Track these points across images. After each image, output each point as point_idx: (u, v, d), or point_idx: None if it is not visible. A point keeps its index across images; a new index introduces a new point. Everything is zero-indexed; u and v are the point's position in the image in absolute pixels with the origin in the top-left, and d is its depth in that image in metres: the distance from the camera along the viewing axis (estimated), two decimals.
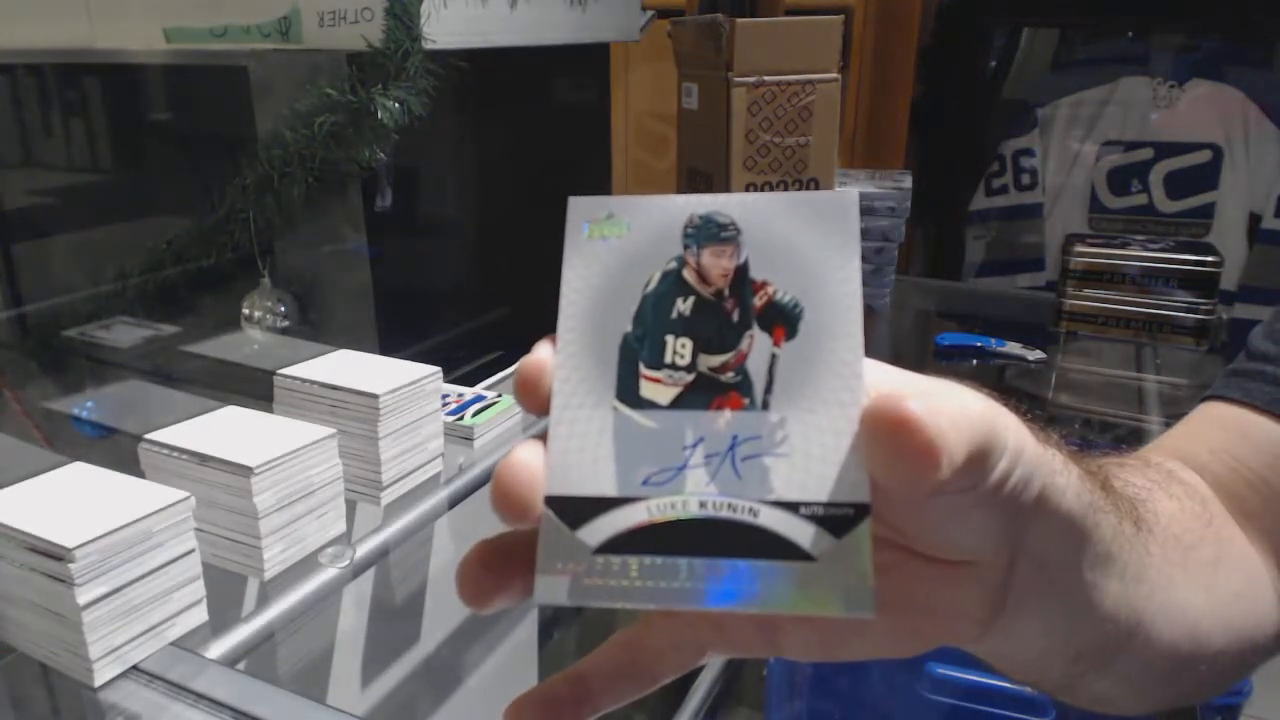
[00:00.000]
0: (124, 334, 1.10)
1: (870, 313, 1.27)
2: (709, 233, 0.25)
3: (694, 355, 0.24)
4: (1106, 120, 1.95)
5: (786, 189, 1.16)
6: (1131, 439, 1.04)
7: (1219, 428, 0.42)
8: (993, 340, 1.21)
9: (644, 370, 0.24)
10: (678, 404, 0.24)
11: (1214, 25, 1.89)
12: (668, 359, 0.24)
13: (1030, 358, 1.19)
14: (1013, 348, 1.20)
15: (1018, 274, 2.07)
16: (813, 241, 0.24)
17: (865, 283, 1.40)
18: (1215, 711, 0.71)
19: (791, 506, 0.22)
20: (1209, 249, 1.21)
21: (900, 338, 1.38)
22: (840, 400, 0.23)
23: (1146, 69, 1.91)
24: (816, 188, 1.17)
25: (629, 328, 0.24)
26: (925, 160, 2.07)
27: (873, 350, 0.24)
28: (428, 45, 0.87)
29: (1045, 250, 2.03)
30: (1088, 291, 1.22)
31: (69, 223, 1.37)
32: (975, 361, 1.21)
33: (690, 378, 0.24)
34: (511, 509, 0.23)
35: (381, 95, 0.85)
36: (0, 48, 1.15)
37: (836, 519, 0.22)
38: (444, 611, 0.91)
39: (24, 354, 1.15)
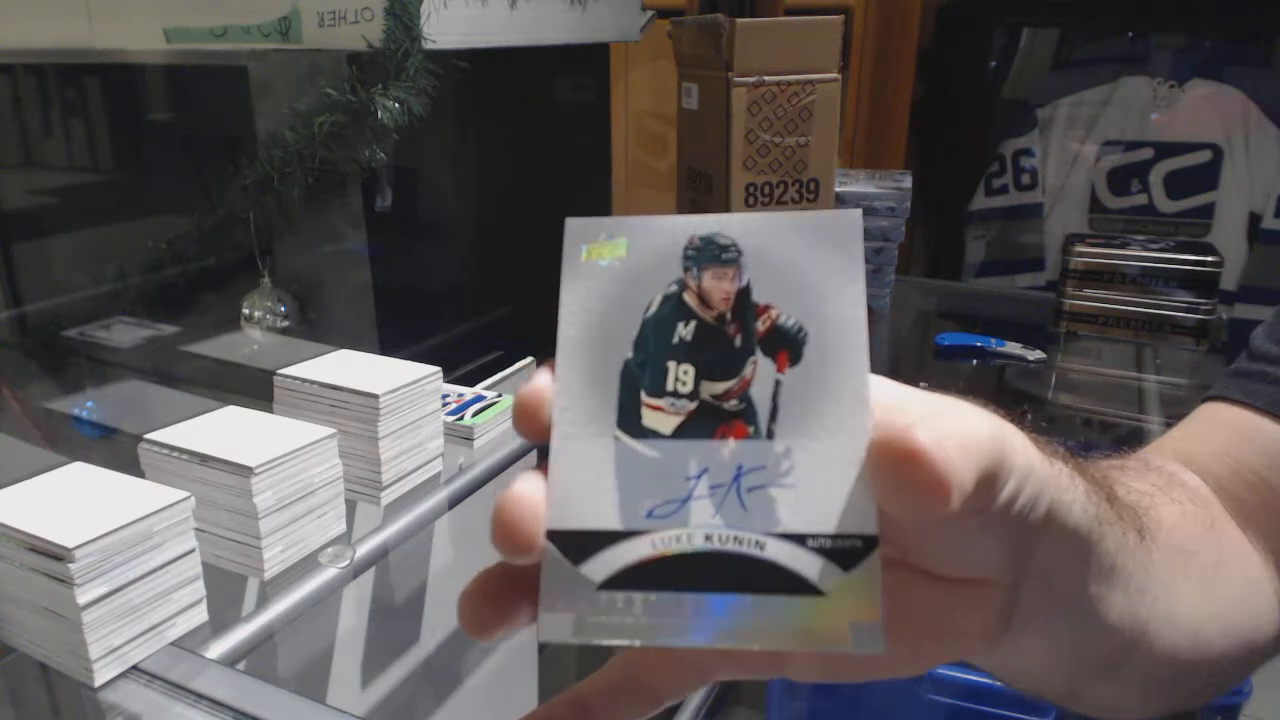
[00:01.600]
0: (124, 334, 1.10)
1: (870, 313, 1.26)
2: (710, 254, 0.24)
3: (696, 382, 0.23)
4: (1106, 120, 1.95)
5: (786, 189, 1.16)
6: (1131, 439, 1.04)
7: (1220, 429, 0.42)
8: (993, 340, 1.21)
9: (645, 398, 0.23)
10: (680, 433, 0.23)
11: (1214, 25, 1.89)
12: (669, 386, 0.23)
13: (1030, 358, 1.19)
14: (1013, 348, 1.20)
15: (1018, 274, 2.07)
16: (816, 263, 0.24)
17: (865, 283, 1.39)
18: (1215, 712, 0.71)
19: (799, 539, 0.22)
20: (1209, 249, 1.21)
21: (900, 338, 1.38)
22: (846, 428, 0.22)
23: (1146, 69, 1.91)
24: (816, 188, 1.17)
25: (629, 354, 0.24)
26: (925, 160, 2.07)
27: (873, 351, 0.24)
28: (428, 45, 0.87)
29: (1045, 250, 2.03)
30: (1088, 291, 1.22)
31: (69, 223, 1.37)
32: (975, 361, 1.21)
33: (693, 406, 0.23)
34: (513, 544, 0.22)
35: (381, 95, 0.85)
36: (0, 48, 1.15)
37: (845, 551, 0.21)
38: (444, 611, 0.91)
39: (24, 354, 1.15)
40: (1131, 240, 1.24)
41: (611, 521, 0.22)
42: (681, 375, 0.23)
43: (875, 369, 0.23)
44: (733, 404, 0.23)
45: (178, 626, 0.61)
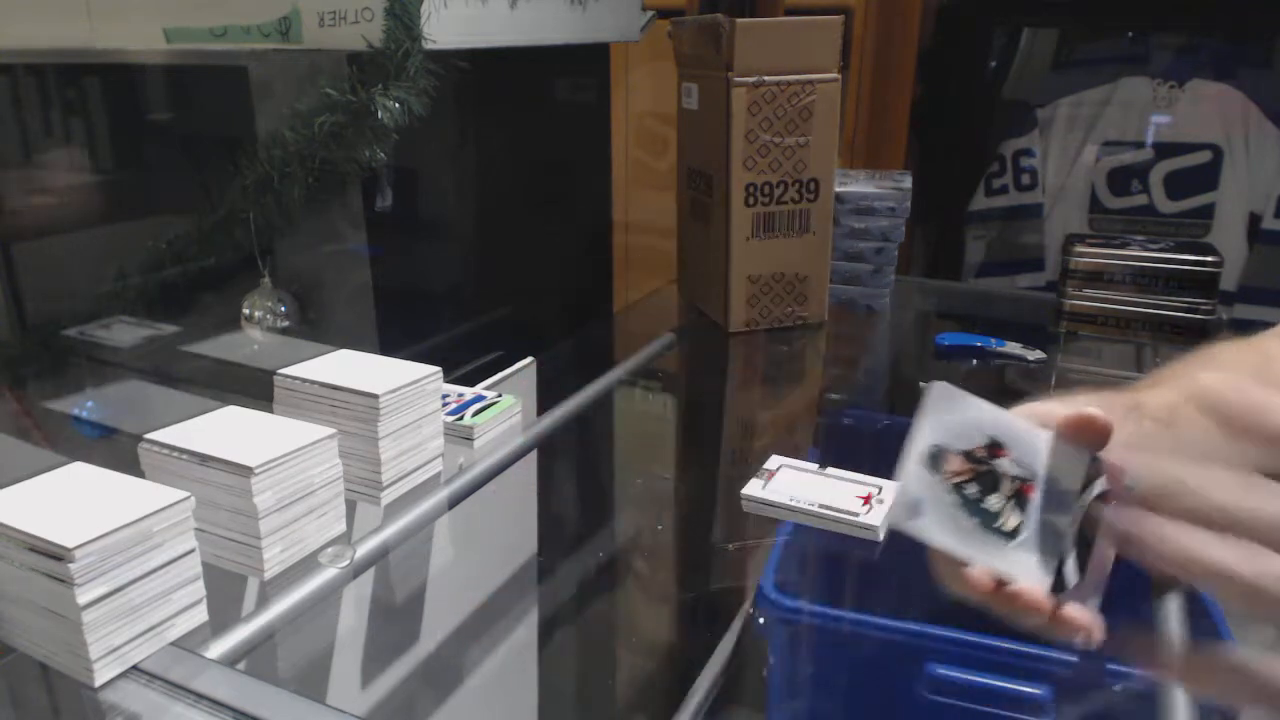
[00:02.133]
0: (124, 334, 1.11)
1: (870, 313, 1.27)
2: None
3: (1000, 497, 0.41)
4: (1106, 120, 1.95)
5: (786, 189, 1.16)
6: None
7: None
8: (993, 340, 1.21)
9: (994, 524, 0.40)
10: (1023, 514, 0.41)
11: (1214, 25, 1.89)
12: (996, 507, 0.41)
13: (1030, 358, 1.19)
14: (1013, 348, 1.20)
15: (1018, 274, 2.07)
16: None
17: (865, 283, 1.40)
18: (1215, 711, 0.71)
19: (1077, 492, 0.41)
20: (1209, 249, 1.21)
21: (900, 338, 1.38)
22: (1039, 437, 0.42)
23: (1146, 69, 1.91)
24: (816, 188, 1.17)
25: (972, 518, 0.41)
26: (925, 160, 2.07)
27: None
28: (428, 45, 0.87)
29: (1045, 250, 2.03)
30: (1088, 291, 1.22)
31: (69, 223, 1.37)
32: (975, 361, 1.21)
33: (1013, 505, 0.41)
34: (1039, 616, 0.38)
35: (381, 95, 0.85)
36: (0, 48, 1.15)
37: (1094, 472, 0.40)
38: (444, 611, 0.91)
39: (24, 354, 1.15)
40: (1131, 240, 1.24)
41: (1048, 579, 0.40)
42: (999, 504, 0.41)
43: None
44: (1016, 484, 0.42)
45: (178, 626, 0.61)
